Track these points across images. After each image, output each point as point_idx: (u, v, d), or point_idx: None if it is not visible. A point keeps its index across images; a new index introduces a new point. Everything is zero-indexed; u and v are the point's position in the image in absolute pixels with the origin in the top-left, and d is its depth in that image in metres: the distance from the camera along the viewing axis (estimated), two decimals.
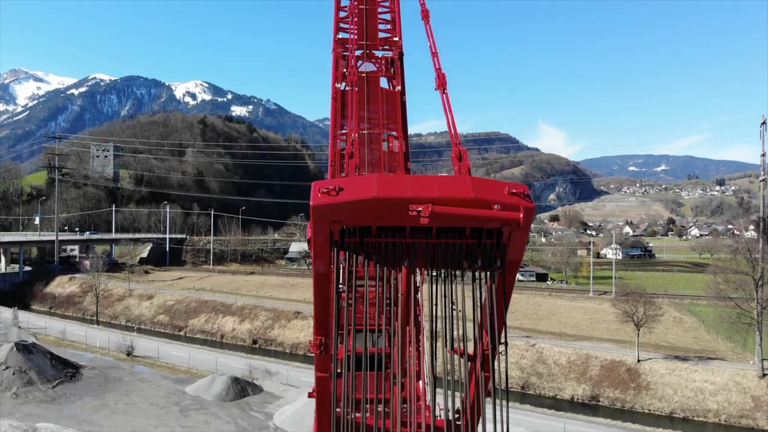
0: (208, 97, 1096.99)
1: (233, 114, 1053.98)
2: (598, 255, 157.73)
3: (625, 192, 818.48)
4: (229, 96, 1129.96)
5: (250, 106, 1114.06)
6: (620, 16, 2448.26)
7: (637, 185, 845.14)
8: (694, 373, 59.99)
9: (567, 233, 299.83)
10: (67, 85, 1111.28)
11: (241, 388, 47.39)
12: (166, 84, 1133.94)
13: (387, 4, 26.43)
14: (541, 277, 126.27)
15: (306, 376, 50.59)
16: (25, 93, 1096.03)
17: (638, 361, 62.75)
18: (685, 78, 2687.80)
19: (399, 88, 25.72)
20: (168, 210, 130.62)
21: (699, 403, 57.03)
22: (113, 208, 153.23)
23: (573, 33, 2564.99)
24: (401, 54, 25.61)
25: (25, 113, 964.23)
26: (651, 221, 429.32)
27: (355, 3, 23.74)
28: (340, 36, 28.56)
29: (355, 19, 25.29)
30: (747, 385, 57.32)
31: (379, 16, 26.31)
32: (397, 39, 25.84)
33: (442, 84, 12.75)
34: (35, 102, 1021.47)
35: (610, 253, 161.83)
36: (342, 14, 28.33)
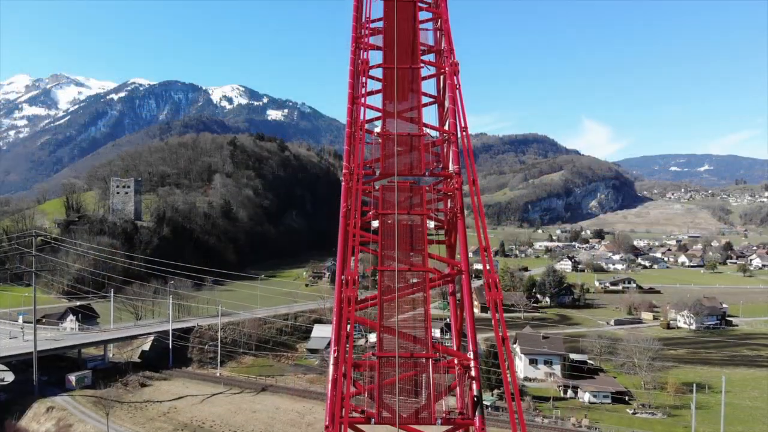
0: (244, 101, 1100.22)
1: (269, 118, 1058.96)
2: (668, 326, 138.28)
3: (669, 198, 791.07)
4: (265, 100, 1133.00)
5: (286, 110, 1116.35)
6: (662, 3, 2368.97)
7: (682, 190, 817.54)
8: None
9: (619, 264, 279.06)
10: (107, 89, 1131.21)
11: None
12: (203, 88, 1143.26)
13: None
14: (619, 398, 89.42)
15: None
16: (66, 98, 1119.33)
17: None
18: (736, 68, 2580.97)
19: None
20: (170, 301, 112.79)
21: None
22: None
23: (612, 19, 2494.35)
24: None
25: (66, 118, 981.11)
26: (704, 241, 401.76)
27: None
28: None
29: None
30: None
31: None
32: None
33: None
34: (76, 107, 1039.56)
35: (681, 321, 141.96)
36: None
